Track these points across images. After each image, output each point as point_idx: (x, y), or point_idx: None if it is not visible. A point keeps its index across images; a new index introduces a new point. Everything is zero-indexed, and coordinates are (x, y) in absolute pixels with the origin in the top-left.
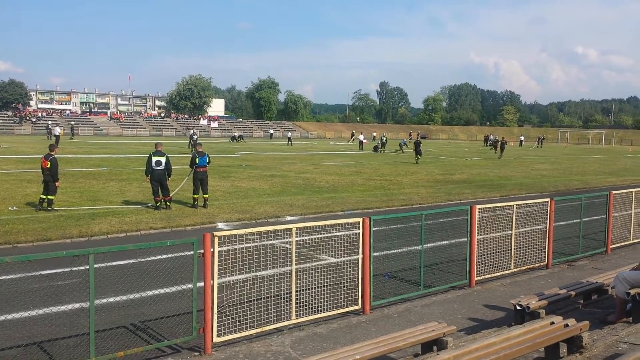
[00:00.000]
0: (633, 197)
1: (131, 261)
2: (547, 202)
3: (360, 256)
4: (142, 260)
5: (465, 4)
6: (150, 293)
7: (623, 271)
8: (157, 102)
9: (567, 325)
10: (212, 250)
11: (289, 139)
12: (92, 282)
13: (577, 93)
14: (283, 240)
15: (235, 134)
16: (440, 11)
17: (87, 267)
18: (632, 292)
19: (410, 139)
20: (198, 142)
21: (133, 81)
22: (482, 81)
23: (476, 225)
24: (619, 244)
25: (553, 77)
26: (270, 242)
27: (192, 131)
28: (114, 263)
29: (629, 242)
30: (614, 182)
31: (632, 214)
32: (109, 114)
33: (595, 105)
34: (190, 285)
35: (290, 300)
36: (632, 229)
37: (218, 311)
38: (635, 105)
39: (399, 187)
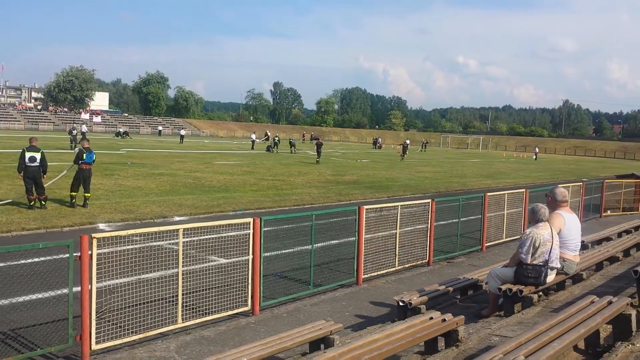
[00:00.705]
0: (506, 198)
1: (0, 265)
2: (429, 202)
3: (251, 257)
4: (12, 263)
5: (353, 11)
6: (21, 299)
7: (495, 268)
8: (34, 94)
9: (444, 320)
10: (90, 253)
11: (182, 136)
12: None
13: (458, 100)
14: (170, 242)
15: (120, 129)
16: (330, 16)
17: None
18: (504, 287)
19: (304, 139)
20: (86, 137)
21: (6, 71)
22: (372, 86)
23: (364, 225)
24: (493, 242)
25: (437, 84)
26: (156, 243)
27: (72, 126)
28: None
29: (502, 241)
30: (490, 185)
31: (505, 215)
32: None
33: (474, 113)
34: (66, 290)
35: (177, 304)
36: (504, 228)
37: (97, 317)
38: (510, 113)
39: (291, 187)
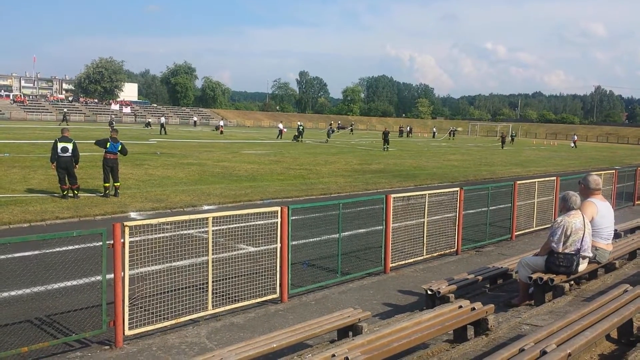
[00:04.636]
0: (536, 187)
1: (35, 252)
2: (457, 191)
3: (279, 245)
4: (47, 251)
5: None
6: (56, 286)
7: (526, 257)
8: (65, 86)
9: (474, 309)
10: (122, 240)
11: (219, 126)
12: None
13: (486, 87)
14: (199, 230)
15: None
16: (355, 3)
17: None
18: (534, 276)
19: (331, 128)
20: (114, 128)
21: (38, 63)
22: (398, 74)
23: (391, 213)
24: (523, 231)
25: (464, 71)
26: (186, 231)
27: (111, 118)
28: (17, 255)
29: (532, 230)
30: (519, 173)
31: (535, 203)
32: (11, 97)
33: (503, 100)
34: (99, 277)
35: (207, 291)
36: (535, 217)
37: (130, 303)
38: (540, 100)
39: (317, 177)
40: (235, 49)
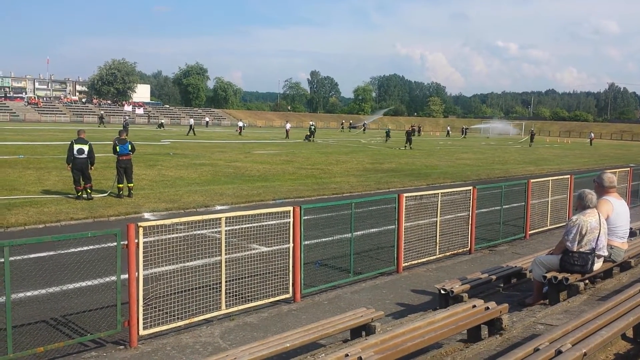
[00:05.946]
0: (550, 185)
1: (51, 253)
2: (470, 190)
3: (291, 245)
4: (63, 252)
5: None
6: (71, 286)
7: (540, 255)
8: (78, 87)
9: (487, 308)
10: (136, 241)
11: (240, 127)
12: (7, 276)
13: (498, 85)
14: (212, 230)
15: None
16: (363, 2)
17: (2, 260)
18: (548, 275)
19: (342, 127)
20: (127, 128)
21: (52, 64)
22: (409, 72)
23: (403, 213)
24: (537, 230)
25: (476, 69)
26: (199, 232)
27: (125, 120)
28: (32, 255)
29: (546, 228)
30: (533, 171)
31: (549, 202)
32: (25, 99)
33: (515, 98)
34: (114, 278)
35: (220, 291)
36: (549, 215)
37: (144, 303)
38: (553, 98)
39: (329, 176)
40: (244, 49)
